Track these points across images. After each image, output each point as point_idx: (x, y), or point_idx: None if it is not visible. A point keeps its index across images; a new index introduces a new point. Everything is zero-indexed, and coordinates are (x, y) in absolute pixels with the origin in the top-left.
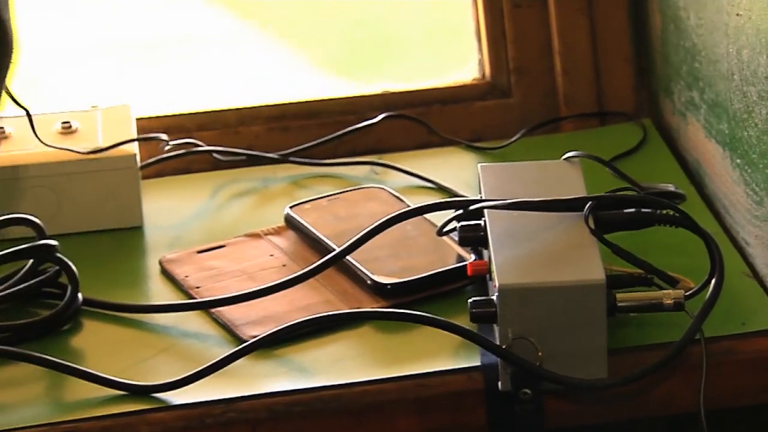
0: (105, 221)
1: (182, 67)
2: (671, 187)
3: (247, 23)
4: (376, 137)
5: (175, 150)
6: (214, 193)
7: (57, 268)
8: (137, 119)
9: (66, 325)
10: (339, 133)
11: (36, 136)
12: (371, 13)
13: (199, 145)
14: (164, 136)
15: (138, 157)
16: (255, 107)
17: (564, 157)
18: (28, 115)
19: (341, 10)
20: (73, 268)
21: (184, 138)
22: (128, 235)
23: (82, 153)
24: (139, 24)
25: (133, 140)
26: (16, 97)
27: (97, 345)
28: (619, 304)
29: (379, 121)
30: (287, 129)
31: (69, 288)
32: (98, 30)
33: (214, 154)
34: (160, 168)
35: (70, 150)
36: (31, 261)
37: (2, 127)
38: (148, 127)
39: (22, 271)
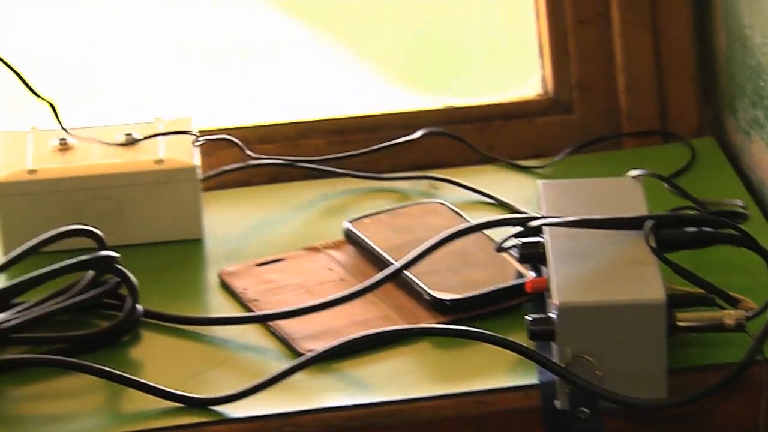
0: (165, 233)
1: (247, 77)
2: (739, 203)
3: (315, 33)
4: (437, 152)
5: (209, 145)
6: (273, 206)
7: (117, 279)
8: (199, 131)
9: (125, 337)
10: (387, 144)
11: (62, 127)
12: (438, 27)
13: (252, 156)
14: (195, 131)
15: (199, 170)
16: (316, 121)
17: (626, 174)
18: (53, 108)
19: (408, 22)
20: (133, 279)
21: (245, 154)
22: (188, 247)
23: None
24: (207, 33)
25: (158, 135)
26: (36, 90)
27: (156, 357)
28: (679, 324)
29: (422, 136)
30: (348, 143)
31: (129, 299)
32: (164, 41)
33: (274, 167)
34: (221, 180)
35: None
36: (92, 272)
37: (65, 139)
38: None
39: (83, 282)
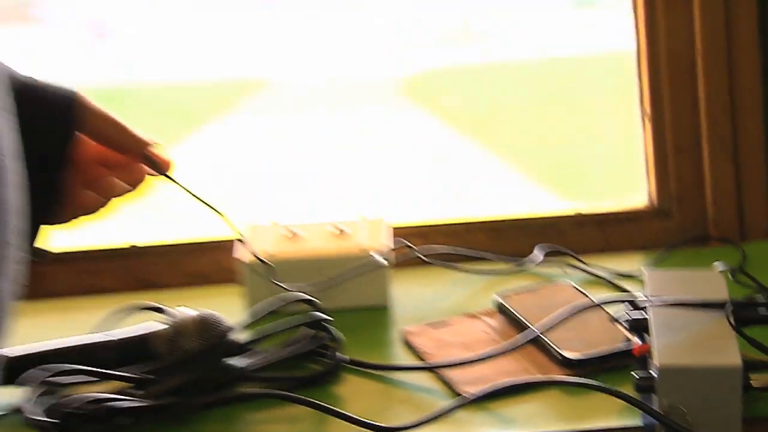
0: (364, 301)
1: (425, 183)
2: None
3: (475, 146)
4: (568, 244)
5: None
6: (444, 282)
7: (328, 335)
8: (391, 227)
9: (331, 378)
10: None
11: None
12: (570, 145)
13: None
14: (387, 250)
15: (391, 255)
16: (478, 221)
17: (711, 266)
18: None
19: (548, 137)
20: (339, 335)
21: (427, 244)
22: (380, 312)
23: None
24: (373, 145)
25: (386, 248)
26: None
27: (353, 394)
28: (753, 384)
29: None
30: (502, 237)
31: (335, 350)
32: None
33: (445, 253)
34: (407, 263)
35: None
36: (310, 329)
37: (293, 230)
38: (398, 233)
39: (302, 336)
